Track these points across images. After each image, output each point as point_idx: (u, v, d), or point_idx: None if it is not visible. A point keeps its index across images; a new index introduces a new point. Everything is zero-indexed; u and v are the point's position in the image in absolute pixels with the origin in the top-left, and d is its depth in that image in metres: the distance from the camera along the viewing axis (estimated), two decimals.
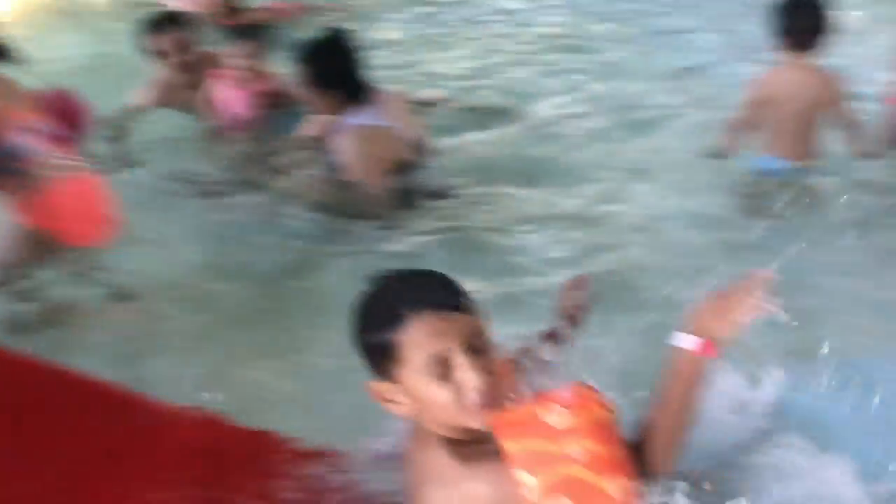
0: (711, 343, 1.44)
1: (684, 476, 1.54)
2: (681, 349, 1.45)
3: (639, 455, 1.42)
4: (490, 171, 3.76)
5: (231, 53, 3.87)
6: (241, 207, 3.51)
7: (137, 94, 3.97)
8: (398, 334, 1.42)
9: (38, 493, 2.01)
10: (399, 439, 1.66)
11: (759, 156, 3.42)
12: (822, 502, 1.77)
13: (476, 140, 4.09)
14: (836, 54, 3.36)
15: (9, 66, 2.88)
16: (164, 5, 4.61)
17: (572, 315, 2.00)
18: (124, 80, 4.06)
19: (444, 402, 1.42)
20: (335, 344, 2.15)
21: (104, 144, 3.81)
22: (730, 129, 3.47)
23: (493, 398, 1.42)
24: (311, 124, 3.54)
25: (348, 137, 3.28)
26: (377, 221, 3.31)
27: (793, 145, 3.35)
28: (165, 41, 3.87)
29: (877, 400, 2.02)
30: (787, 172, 3.36)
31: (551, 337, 1.94)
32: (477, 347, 1.43)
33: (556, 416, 1.38)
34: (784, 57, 3.33)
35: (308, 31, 3.59)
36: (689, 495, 1.51)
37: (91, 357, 2.60)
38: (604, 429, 1.38)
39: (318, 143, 3.46)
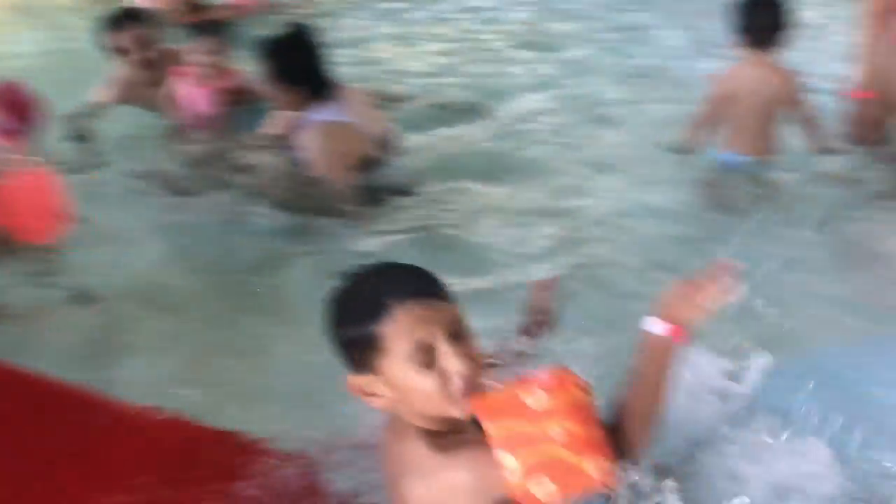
0: (680, 328, 1.49)
1: (658, 469, 1.57)
2: (651, 333, 1.50)
3: (614, 435, 1.45)
4: (456, 168, 3.76)
5: (193, 50, 3.83)
6: (205, 205, 3.47)
7: (97, 92, 3.92)
8: (381, 325, 1.43)
9: None
10: (373, 433, 1.66)
11: (721, 151, 3.47)
12: (795, 485, 1.81)
13: (442, 136, 4.09)
14: (795, 51, 3.42)
15: None
16: (125, 2, 4.55)
17: (542, 315, 2.02)
18: (84, 76, 4.01)
19: (428, 390, 1.43)
20: (302, 341, 2.16)
21: (66, 142, 3.77)
22: (693, 125, 3.52)
23: (476, 384, 1.44)
24: (275, 121, 3.51)
25: (312, 133, 3.27)
26: (342, 218, 3.29)
27: (753, 141, 3.41)
28: (126, 38, 3.82)
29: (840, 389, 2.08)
30: (748, 167, 3.42)
31: (524, 333, 1.96)
32: (458, 334, 1.45)
33: (536, 398, 1.39)
34: (744, 54, 3.38)
35: (271, 27, 3.56)
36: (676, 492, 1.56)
37: (53, 358, 2.56)
38: (582, 410, 1.40)
39: (281, 140, 3.44)
